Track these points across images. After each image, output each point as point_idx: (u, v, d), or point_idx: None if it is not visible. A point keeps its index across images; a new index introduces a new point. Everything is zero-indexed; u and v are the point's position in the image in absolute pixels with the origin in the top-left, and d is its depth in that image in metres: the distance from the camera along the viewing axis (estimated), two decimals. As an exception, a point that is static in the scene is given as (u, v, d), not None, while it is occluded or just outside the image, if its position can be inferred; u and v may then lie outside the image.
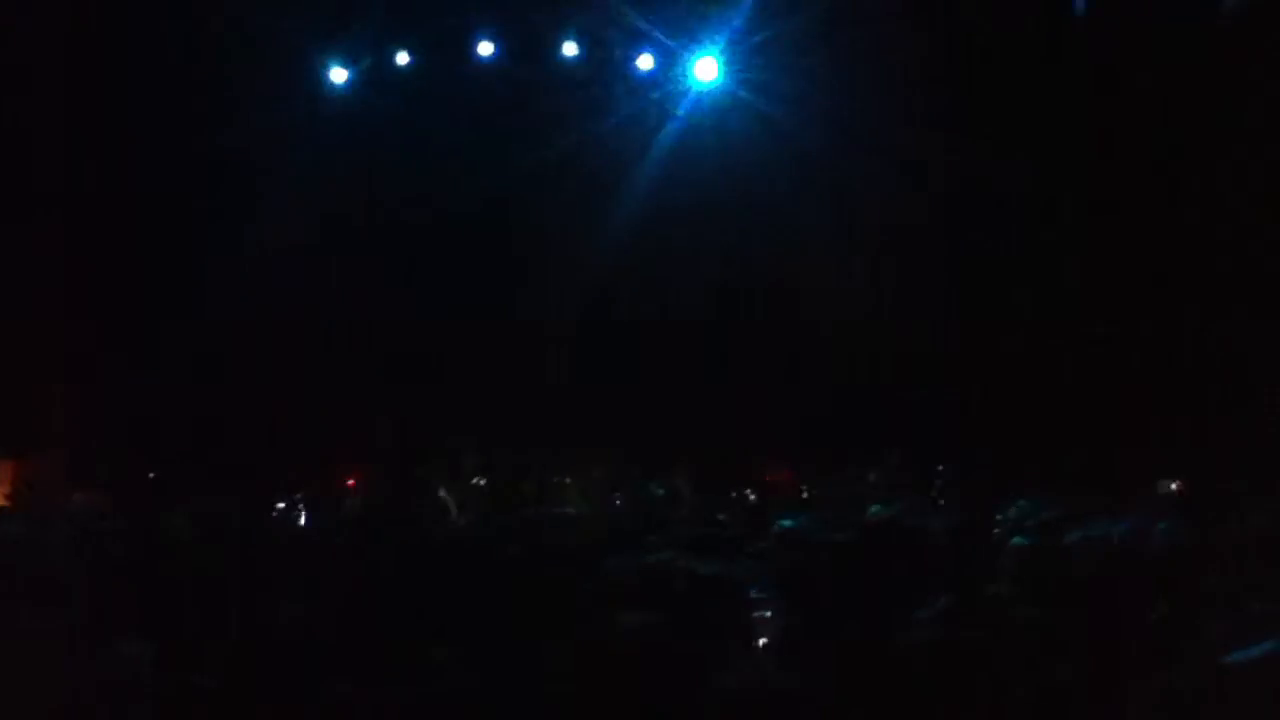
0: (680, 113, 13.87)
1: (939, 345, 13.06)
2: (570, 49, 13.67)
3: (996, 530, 5.06)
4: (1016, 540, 3.98)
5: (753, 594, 3.84)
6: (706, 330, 13.76)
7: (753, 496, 10.62)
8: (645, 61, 13.67)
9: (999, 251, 13.15)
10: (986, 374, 12.87)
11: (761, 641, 3.67)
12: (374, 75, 13.88)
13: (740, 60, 13.62)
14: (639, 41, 13.55)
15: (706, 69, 13.63)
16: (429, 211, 13.73)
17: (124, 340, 12.77)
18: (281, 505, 10.53)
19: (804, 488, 10.50)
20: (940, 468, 11.67)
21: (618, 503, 10.94)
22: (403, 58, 13.72)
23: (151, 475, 12.04)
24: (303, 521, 10.16)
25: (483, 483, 11.71)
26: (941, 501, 9.76)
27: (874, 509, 6.29)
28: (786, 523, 4.96)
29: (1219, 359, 11.71)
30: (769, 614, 3.69)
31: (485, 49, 13.70)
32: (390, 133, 13.77)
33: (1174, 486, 9.18)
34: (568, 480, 11.72)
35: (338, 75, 13.90)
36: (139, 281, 13.06)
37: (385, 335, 13.90)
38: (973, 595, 3.81)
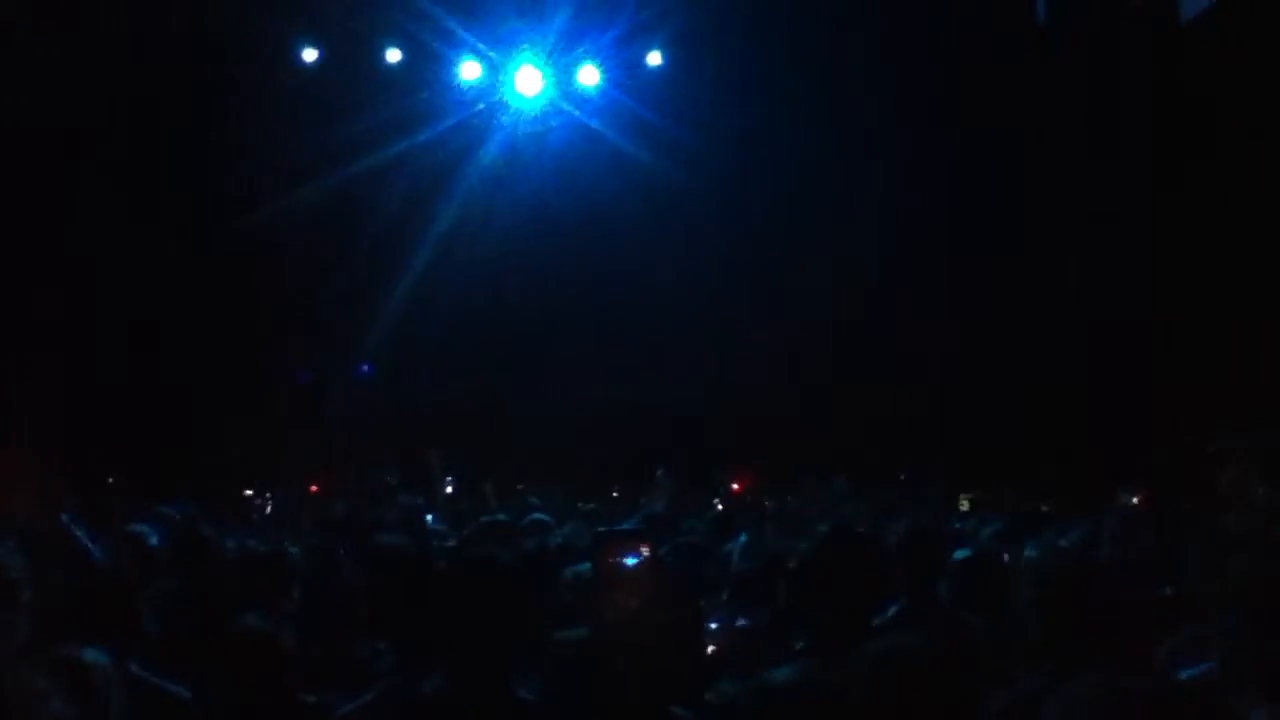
0: (505, 122, 13.84)
1: (880, 355, 13.22)
2: (394, 55, 13.53)
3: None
4: (960, 553, 4.03)
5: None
6: (659, 337, 13.87)
7: (719, 505, 10.65)
8: (471, 70, 13.53)
9: (937, 256, 13.34)
10: (948, 383, 13.00)
11: (710, 649, 3.71)
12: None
13: (565, 72, 13.66)
14: (463, 50, 13.46)
15: (529, 81, 13.52)
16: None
17: (83, 337, 12.70)
18: (249, 493, 10.49)
19: (766, 500, 10.52)
20: (901, 476, 11.77)
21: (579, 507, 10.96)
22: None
23: (111, 479, 11.94)
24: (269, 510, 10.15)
25: (450, 489, 11.67)
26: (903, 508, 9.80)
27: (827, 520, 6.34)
28: (744, 536, 5.00)
29: (1184, 372, 11.85)
30: (714, 625, 3.72)
31: (309, 55, 13.54)
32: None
33: (1135, 500, 9.24)
34: (524, 487, 11.74)
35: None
36: (101, 274, 13.02)
37: (354, 336, 13.91)
38: (921, 606, 3.86)
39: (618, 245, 13.78)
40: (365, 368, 14.61)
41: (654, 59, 13.68)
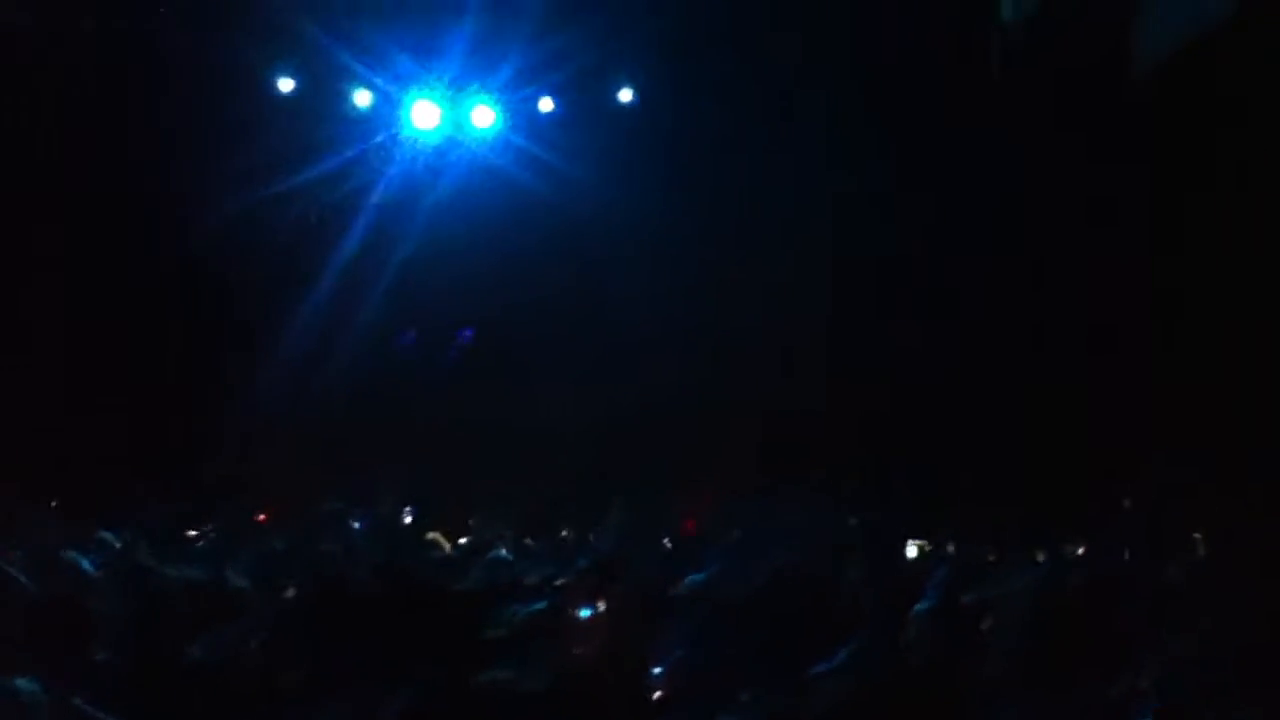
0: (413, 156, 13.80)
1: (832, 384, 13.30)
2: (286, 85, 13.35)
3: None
4: (919, 607, 4.03)
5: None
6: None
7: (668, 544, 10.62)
8: (363, 99, 13.43)
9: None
10: (896, 414, 13.07)
11: (657, 694, 3.71)
12: None
13: (460, 109, 13.60)
14: (357, 83, 13.35)
15: (426, 115, 13.48)
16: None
17: (22, 358, 12.54)
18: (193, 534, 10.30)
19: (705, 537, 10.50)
20: (853, 508, 11.77)
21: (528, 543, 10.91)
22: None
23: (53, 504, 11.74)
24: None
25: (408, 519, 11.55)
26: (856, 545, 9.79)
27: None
28: (697, 577, 4.99)
29: (1135, 403, 11.97)
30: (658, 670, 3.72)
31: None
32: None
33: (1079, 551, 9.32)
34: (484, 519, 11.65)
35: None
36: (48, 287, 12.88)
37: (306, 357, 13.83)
38: (880, 652, 3.86)
39: (517, 274, 13.85)
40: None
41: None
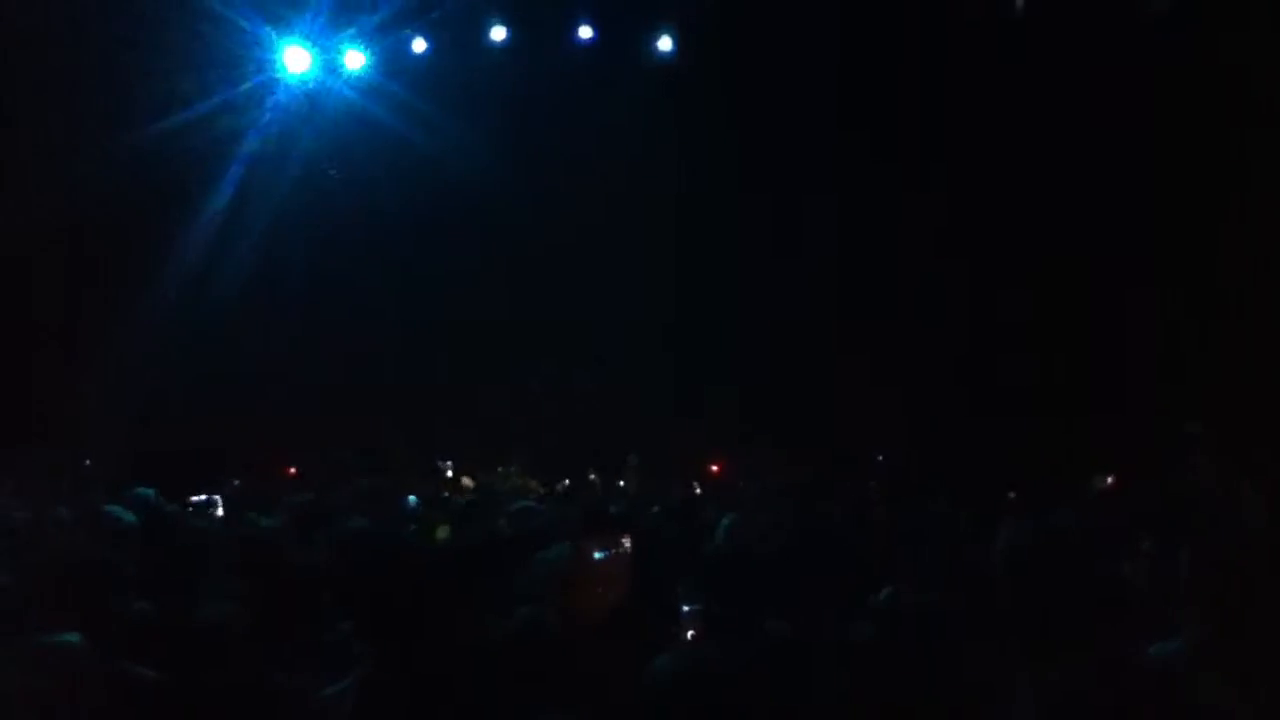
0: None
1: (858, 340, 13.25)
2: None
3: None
4: (938, 538, 4.04)
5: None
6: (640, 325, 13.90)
7: (697, 490, 10.72)
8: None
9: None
10: (921, 370, 13.01)
11: (689, 634, 3.73)
12: None
13: (331, 53, 13.57)
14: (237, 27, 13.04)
15: (297, 59, 13.39)
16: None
17: (50, 326, 12.56)
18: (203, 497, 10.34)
19: (741, 483, 10.56)
20: (880, 458, 11.78)
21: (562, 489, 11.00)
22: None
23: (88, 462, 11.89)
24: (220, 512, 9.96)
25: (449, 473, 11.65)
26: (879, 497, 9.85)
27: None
28: (725, 522, 5.01)
29: (1152, 352, 11.91)
30: (687, 608, 3.74)
31: None
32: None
33: (1109, 480, 9.32)
34: (511, 469, 11.73)
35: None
36: (69, 259, 12.85)
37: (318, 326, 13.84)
38: (899, 594, 3.89)
39: (388, 218, 13.79)
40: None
41: (419, 45, 13.66)
